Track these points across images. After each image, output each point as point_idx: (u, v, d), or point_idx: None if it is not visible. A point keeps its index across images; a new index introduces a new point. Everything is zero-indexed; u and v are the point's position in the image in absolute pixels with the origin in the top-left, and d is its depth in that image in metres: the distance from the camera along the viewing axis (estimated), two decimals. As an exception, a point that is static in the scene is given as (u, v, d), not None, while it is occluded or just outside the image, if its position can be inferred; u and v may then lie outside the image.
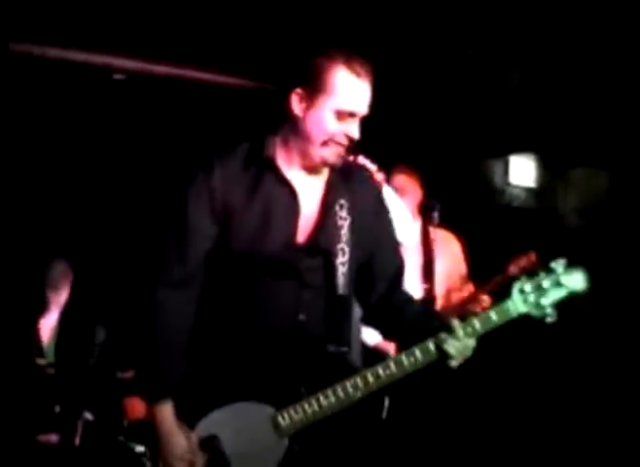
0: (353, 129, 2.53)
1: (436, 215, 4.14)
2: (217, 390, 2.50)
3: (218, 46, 5.25)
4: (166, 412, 2.48)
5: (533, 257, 4.73)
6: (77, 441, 4.17)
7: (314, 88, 2.50)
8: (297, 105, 2.52)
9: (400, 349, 2.62)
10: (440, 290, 4.34)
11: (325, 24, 5.07)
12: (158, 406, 2.47)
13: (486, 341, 5.55)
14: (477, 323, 2.55)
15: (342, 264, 2.58)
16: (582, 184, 6.28)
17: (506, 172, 6.43)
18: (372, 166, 3.89)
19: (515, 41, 5.43)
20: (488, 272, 4.73)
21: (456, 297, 4.73)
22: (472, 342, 2.55)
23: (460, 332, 2.52)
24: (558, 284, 2.59)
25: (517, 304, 2.58)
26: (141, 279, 2.55)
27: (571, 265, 2.63)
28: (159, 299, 2.47)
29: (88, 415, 4.31)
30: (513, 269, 4.69)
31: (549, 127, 5.92)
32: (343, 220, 2.60)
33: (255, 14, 5.09)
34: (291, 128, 2.56)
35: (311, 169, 2.59)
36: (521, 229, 5.86)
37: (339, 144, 2.53)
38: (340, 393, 2.48)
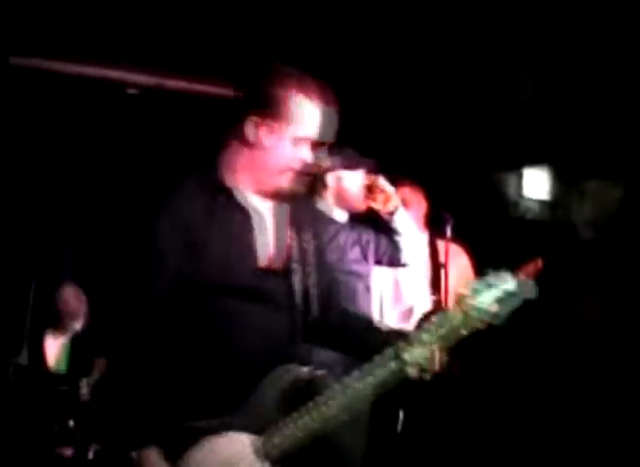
0: (309, 156, 2.47)
1: (449, 228, 4.15)
2: (197, 424, 2.36)
3: (231, 59, 5.26)
4: (154, 456, 2.30)
5: (540, 263, 4.72)
6: (91, 455, 4.17)
7: (271, 115, 2.42)
8: (251, 132, 2.44)
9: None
10: (449, 302, 4.33)
11: (332, 31, 5.10)
12: (143, 452, 2.30)
13: (503, 356, 5.55)
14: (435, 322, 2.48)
15: (313, 285, 2.55)
16: (596, 196, 6.26)
17: (520, 185, 6.41)
18: (390, 188, 3.93)
19: (529, 52, 5.43)
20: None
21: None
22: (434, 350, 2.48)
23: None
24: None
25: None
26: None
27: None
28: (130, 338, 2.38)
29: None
30: (520, 276, 4.68)
31: (563, 140, 5.92)
32: (307, 243, 2.58)
33: (270, 30, 5.11)
34: (245, 154, 2.47)
35: (270, 195, 2.52)
36: (535, 241, 5.85)
37: (298, 173, 2.47)
38: (316, 415, 2.36)
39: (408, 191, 4.86)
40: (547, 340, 5.85)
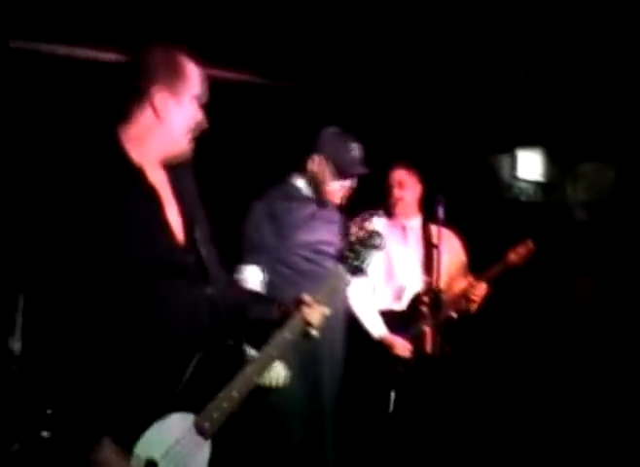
0: (202, 116, 2.60)
1: (441, 210, 4.15)
2: (138, 409, 2.34)
3: (216, 39, 5.24)
4: (109, 447, 2.26)
5: (531, 245, 4.76)
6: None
7: (172, 79, 2.51)
8: (160, 101, 2.50)
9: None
10: (441, 284, 4.35)
11: (328, 17, 5.08)
12: (99, 446, 2.25)
13: (491, 332, 5.57)
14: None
15: (208, 253, 2.60)
16: (590, 178, 6.27)
17: (513, 166, 6.41)
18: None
19: (522, 34, 5.41)
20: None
21: (456, 288, 4.75)
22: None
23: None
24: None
25: None
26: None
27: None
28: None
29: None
30: (511, 257, 4.72)
31: (556, 121, 5.91)
32: (188, 207, 2.62)
33: (254, 6, 5.06)
34: (154, 124, 2.51)
35: (166, 166, 2.58)
36: (529, 223, 5.86)
37: (194, 133, 2.59)
38: (243, 382, 2.51)
39: (403, 173, 4.87)
40: (541, 321, 5.87)
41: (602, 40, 5.24)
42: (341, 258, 2.88)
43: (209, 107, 2.67)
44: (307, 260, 3.88)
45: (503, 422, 5.57)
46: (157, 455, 2.34)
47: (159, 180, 2.55)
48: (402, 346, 4.53)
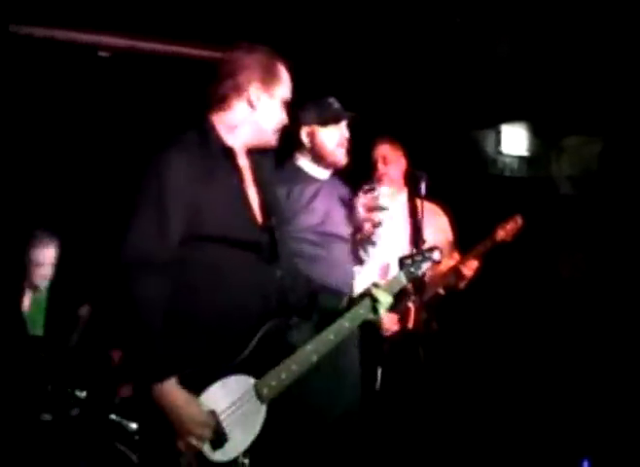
0: (286, 116, 2.95)
1: (423, 186, 4.12)
2: (206, 365, 2.59)
3: (204, 19, 5.21)
4: (175, 386, 2.51)
5: (519, 221, 4.75)
6: (70, 420, 4.18)
7: (270, 81, 2.87)
8: (255, 97, 2.85)
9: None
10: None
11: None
12: (166, 384, 2.50)
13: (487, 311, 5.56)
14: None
15: (281, 238, 2.87)
16: (574, 152, 6.26)
17: (498, 141, 6.41)
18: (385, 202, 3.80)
19: (505, 8, 5.38)
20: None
21: (444, 266, 4.74)
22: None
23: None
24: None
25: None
26: (117, 261, 2.57)
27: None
28: (142, 283, 2.54)
29: (81, 394, 4.31)
30: (500, 233, 4.71)
31: (540, 96, 5.90)
32: (266, 192, 2.91)
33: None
34: (247, 115, 2.85)
35: (250, 153, 2.90)
36: (514, 198, 5.85)
37: (281, 131, 2.94)
38: (303, 358, 2.78)
39: (387, 148, 4.84)
40: (526, 296, 5.87)
41: (585, 13, 5.21)
42: (401, 265, 3.21)
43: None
44: (314, 244, 3.81)
45: (490, 398, 5.58)
46: (219, 408, 2.58)
47: (244, 164, 2.86)
48: (388, 320, 4.52)
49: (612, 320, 5.60)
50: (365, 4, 5.19)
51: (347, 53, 5.57)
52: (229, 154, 2.79)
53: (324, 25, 5.34)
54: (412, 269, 3.20)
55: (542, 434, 5.32)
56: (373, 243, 3.85)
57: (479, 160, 6.38)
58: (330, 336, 2.86)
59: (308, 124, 3.94)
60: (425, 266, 3.23)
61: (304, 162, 3.97)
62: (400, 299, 4.54)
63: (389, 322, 4.53)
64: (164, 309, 2.56)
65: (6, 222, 5.18)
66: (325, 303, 3.06)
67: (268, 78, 2.86)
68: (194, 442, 2.51)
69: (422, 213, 4.13)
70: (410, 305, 4.53)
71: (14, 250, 4.91)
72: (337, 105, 3.97)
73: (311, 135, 3.95)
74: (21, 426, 4.25)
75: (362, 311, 2.98)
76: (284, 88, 2.91)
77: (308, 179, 3.94)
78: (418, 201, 4.24)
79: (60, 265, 4.90)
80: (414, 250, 3.27)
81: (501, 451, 5.26)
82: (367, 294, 3.02)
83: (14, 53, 5.19)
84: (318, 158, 3.95)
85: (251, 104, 2.84)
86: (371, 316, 3.01)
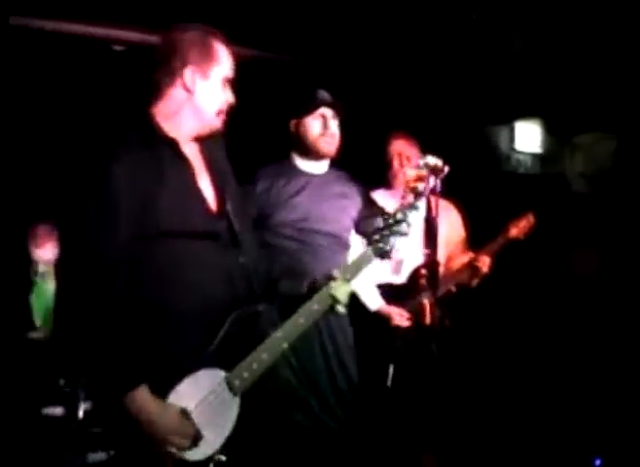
0: (231, 95, 2.77)
1: (438, 182, 4.10)
2: (171, 363, 2.53)
3: (214, 14, 5.19)
4: (147, 394, 2.45)
5: (532, 218, 4.74)
6: (80, 414, 4.17)
7: (204, 61, 2.68)
8: (190, 81, 2.67)
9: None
10: (440, 257, 4.30)
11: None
12: (137, 392, 2.43)
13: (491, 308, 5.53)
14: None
15: (240, 223, 2.76)
16: (588, 149, 6.24)
17: (511, 138, 6.38)
18: (440, 163, 3.76)
19: (520, 5, 5.36)
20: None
21: (457, 263, 4.73)
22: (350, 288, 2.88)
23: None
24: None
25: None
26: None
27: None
28: (97, 288, 2.46)
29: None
30: (512, 231, 4.71)
31: (554, 93, 5.87)
32: (220, 178, 2.78)
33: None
34: (178, 101, 2.70)
35: (197, 140, 2.75)
36: (528, 195, 5.83)
37: (225, 112, 2.76)
38: (272, 346, 2.68)
39: (403, 143, 4.82)
40: (539, 293, 5.85)
41: (599, 9, 5.19)
42: (369, 241, 3.02)
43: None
44: (290, 238, 3.81)
45: (502, 396, 5.56)
46: (190, 405, 2.52)
47: (191, 152, 2.72)
48: (399, 316, 4.50)
49: (625, 318, 5.57)
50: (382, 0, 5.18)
51: (362, 49, 5.56)
52: (173, 145, 2.66)
53: (339, 21, 5.33)
54: (381, 245, 3.01)
55: (554, 431, 5.30)
56: (416, 208, 3.62)
57: (492, 156, 6.36)
58: (300, 320, 2.76)
59: (293, 117, 3.96)
60: (394, 240, 3.04)
61: (295, 157, 3.99)
62: (413, 295, 4.55)
63: (399, 319, 4.51)
64: (130, 309, 2.50)
65: (8, 216, 5.19)
66: (284, 289, 2.95)
67: (203, 58, 2.68)
68: (172, 450, 2.46)
69: (437, 210, 4.11)
70: (425, 301, 4.51)
71: (15, 242, 4.93)
72: (320, 95, 3.96)
73: (295, 127, 3.97)
74: (29, 421, 4.26)
75: (317, 307, 2.82)
76: (222, 66, 2.71)
77: (297, 173, 3.95)
78: (433, 198, 4.22)
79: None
80: (381, 224, 3.01)
81: (513, 449, 5.24)
82: (325, 282, 2.86)
83: (22, 47, 5.19)
84: (304, 150, 3.95)
85: (187, 89, 2.68)
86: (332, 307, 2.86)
